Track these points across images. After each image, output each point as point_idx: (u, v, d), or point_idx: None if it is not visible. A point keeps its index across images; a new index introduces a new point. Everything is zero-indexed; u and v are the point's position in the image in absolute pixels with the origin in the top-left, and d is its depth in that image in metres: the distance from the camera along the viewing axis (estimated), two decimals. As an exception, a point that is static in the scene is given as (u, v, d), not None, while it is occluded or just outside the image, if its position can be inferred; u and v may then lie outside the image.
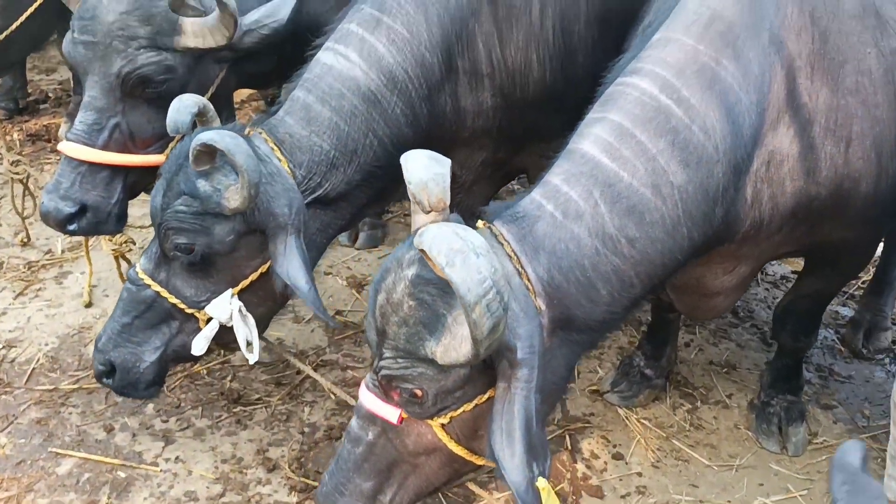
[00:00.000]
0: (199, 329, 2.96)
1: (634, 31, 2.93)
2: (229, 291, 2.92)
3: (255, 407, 3.72)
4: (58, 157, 5.19)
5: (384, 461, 2.40)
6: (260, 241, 2.88)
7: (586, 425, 3.75)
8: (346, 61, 3.00)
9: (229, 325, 2.91)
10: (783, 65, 2.55)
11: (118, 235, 3.71)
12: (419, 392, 2.20)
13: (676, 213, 2.38)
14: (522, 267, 2.24)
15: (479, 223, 2.32)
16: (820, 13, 2.62)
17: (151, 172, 3.38)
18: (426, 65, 3.06)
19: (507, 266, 2.20)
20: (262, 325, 3.08)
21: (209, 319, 2.92)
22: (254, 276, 2.93)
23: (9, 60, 4.67)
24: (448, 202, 2.23)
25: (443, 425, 2.28)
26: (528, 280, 2.24)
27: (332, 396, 3.71)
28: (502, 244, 2.24)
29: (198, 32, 3.25)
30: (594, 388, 3.97)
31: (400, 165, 3.15)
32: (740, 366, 4.21)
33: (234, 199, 2.72)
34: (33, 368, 3.84)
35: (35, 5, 4.22)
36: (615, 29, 3.23)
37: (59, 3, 3.88)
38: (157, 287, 2.93)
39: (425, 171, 2.21)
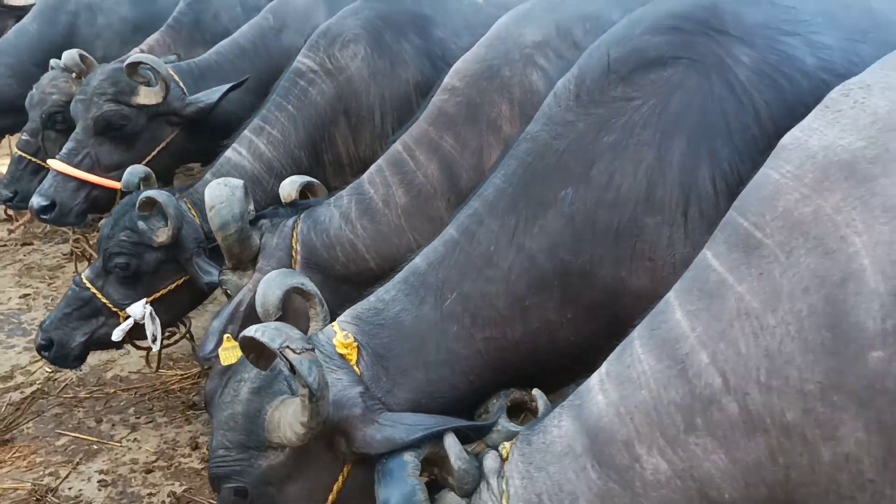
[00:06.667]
0: (119, 324, 4.33)
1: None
2: (144, 299, 4.31)
3: (203, 411, 5.04)
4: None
5: None
6: (174, 267, 4.30)
7: None
8: (238, 156, 4.44)
9: (141, 322, 4.27)
10: (498, 141, 3.67)
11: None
12: None
13: (400, 223, 3.65)
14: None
15: None
16: (528, 111, 3.76)
17: (109, 193, 5.09)
18: (295, 157, 4.45)
19: None
20: (163, 327, 4.44)
21: (127, 317, 4.30)
22: (164, 291, 4.34)
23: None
24: None
25: None
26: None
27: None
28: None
29: (147, 94, 5.08)
30: None
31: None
32: None
33: (161, 235, 4.17)
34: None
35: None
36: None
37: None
38: (94, 290, 4.34)
39: None
